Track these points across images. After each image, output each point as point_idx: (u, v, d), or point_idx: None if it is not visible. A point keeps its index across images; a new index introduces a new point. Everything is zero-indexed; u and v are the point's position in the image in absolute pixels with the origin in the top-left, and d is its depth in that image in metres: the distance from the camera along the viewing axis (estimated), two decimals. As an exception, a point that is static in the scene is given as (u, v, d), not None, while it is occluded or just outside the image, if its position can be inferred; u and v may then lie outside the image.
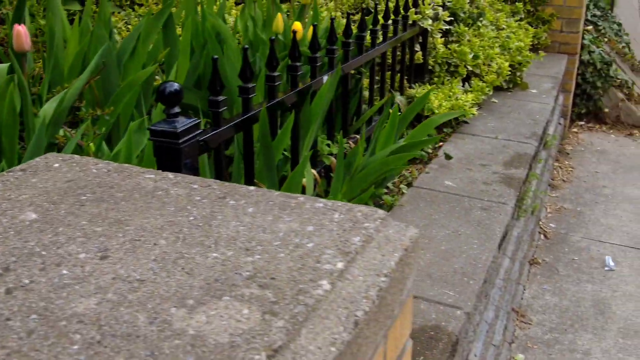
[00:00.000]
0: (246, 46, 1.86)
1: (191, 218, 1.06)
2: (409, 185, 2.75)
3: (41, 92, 2.09)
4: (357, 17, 3.74)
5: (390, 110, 2.63)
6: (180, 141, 1.51)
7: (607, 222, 4.37)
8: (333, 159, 2.39)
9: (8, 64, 2.00)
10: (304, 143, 2.20)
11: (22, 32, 1.80)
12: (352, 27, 2.54)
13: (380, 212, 1.09)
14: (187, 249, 0.96)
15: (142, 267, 0.93)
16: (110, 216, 1.07)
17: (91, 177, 1.23)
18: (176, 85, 1.53)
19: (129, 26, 3.05)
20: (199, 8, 2.78)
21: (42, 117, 1.92)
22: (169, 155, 1.53)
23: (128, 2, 3.26)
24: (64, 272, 0.91)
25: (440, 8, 3.51)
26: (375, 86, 2.94)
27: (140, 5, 3.27)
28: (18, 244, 0.98)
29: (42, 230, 1.02)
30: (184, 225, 1.03)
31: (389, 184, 2.66)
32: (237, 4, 3.60)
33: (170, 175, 1.23)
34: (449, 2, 3.68)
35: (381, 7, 3.86)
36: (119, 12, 3.21)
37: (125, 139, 2.00)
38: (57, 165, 1.28)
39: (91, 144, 1.91)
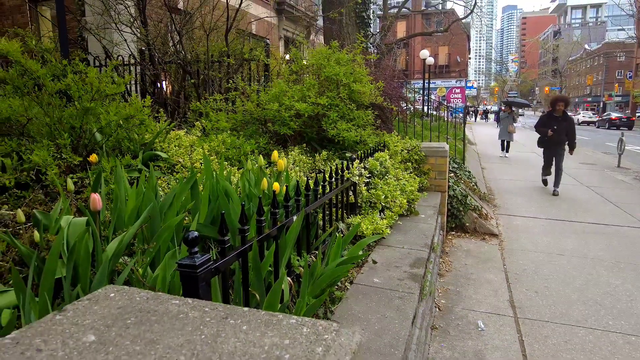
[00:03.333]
0: (243, 202, 1.80)
1: (202, 336, 0.95)
2: (351, 282, 2.63)
3: (108, 234, 1.97)
4: (313, 175, 3.77)
5: (338, 234, 2.56)
6: (198, 271, 1.41)
7: (476, 297, 4.26)
8: (302, 269, 2.28)
9: (86, 218, 1.90)
10: (282, 261, 2.09)
11: (96, 199, 1.71)
12: (310, 182, 2.52)
13: (335, 325, 0.99)
14: (200, 363, 0.85)
15: (167, 381, 0.80)
16: (146, 337, 0.95)
17: (135, 304, 1.10)
18: (195, 234, 1.44)
19: (170, 185, 2.98)
20: (214, 174, 2.73)
21: (108, 252, 1.79)
22: (190, 280, 1.42)
23: (170, 171, 3.22)
24: (109, 388, 0.78)
25: (363, 169, 3.55)
26: (326, 218, 2.89)
27: (177, 172, 3.22)
28: (78, 364, 0.85)
29: (98, 350, 0.89)
30: (197, 343, 0.92)
31: (339, 283, 2.54)
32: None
33: (189, 300, 1.12)
34: (367, 165, 3.74)
35: (327, 168, 3.91)
36: (163, 176, 3.15)
37: (162, 265, 1.87)
38: (112, 295, 1.16)
39: (140, 269, 1.78)
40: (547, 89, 70.53)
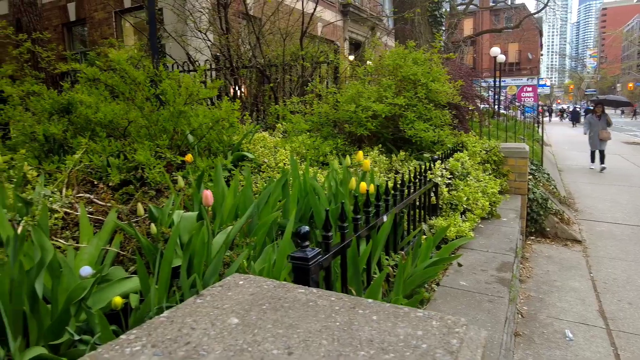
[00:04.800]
0: (343, 201, 1.86)
1: (337, 323, 1.01)
2: (437, 284, 2.62)
3: (214, 228, 2.11)
4: (391, 175, 3.78)
5: (423, 237, 2.56)
6: (310, 263, 1.48)
7: (561, 305, 4.06)
8: (390, 268, 2.31)
9: (195, 213, 2.05)
10: (374, 259, 2.13)
11: (208, 195, 1.85)
12: (390, 183, 2.54)
13: (463, 320, 1.01)
14: (343, 348, 0.90)
15: (317, 361, 0.87)
16: (285, 321, 1.02)
17: (264, 291, 1.19)
18: (306, 228, 1.52)
19: (257, 184, 3.11)
20: (301, 173, 2.82)
21: (215, 244, 1.93)
22: (302, 272, 1.49)
23: (256, 170, 3.36)
24: (266, 364, 0.86)
25: (445, 170, 3.51)
26: (410, 219, 2.90)
27: (263, 171, 3.36)
28: (232, 341, 0.94)
29: (244, 331, 0.98)
30: (334, 329, 0.98)
31: (425, 284, 2.54)
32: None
33: (314, 290, 1.19)
34: (448, 166, 3.69)
35: (405, 169, 3.90)
36: (250, 176, 3.31)
37: (262, 258, 1.98)
38: (241, 282, 1.25)
39: (244, 262, 1.89)
40: (631, 85, 64.95)
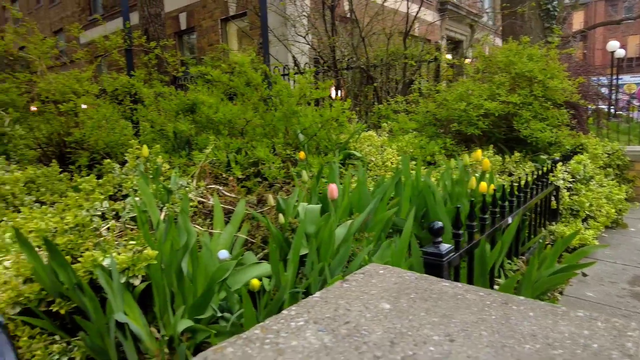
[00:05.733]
0: (472, 199, 1.83)
1: (493, 317, 1.00)
2: (560, 293, 2.46)
3: (339, 222, 2.19)
4: (504, 176, 3.62)
5: (548, 244, 2.42)
6: (443, 259, 1.48)
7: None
8: (512, 273, 2.22)
9: (318, 205, 2.14)
10: (498, 261, 2.07)
11: (334, 189, 1.93)
12: (504, 185, 2.43)
13: (634, 324, 0.96)
14: (505, 340, 0.90)
15: (481, 350, 0.88)
16: (437, 311, 1.04)
17: (407, 282, 1.22)
18: (440, 224, 1.52)
19: (370, 179, 3.15)
20: (413, 173, 2.81)
21: (337, 236, 2.00)
22: (435, 267, 1.50)
23: (365, 167, 3.42)
24: (431, 348, 0.89)
25: (566, 173, 3.29)
26: (532, 223, 2.76)
27: (370, 170, 3.41)
28: (389, 325, 0.98)
29: (399, 317, 1.02)
30: (491, 322, 0.98)
31: (548, 293, 2.40)
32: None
33: (459, 284, 1.19)
34: (569, 169, 3.45)
35: (520, 171, 3.71)
36: (357, 173, 3.37)
37: (380, 254, 2.02)
38: (381, 272, 1.30)
39: (365, 256, 1.94)
40: None
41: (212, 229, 2.27)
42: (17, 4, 25.19)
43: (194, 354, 1.76)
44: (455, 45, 16.21)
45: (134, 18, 6.00)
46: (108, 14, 17.41)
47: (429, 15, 15.11)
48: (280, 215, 2.06)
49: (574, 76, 4.81)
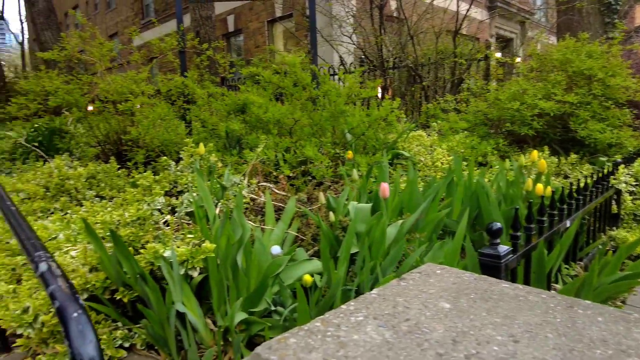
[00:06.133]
0: (530, 200, 1.78)
1: (557, 320, 0.98)
2: (623, 302, 2.34)
3: (389, 221, 2.19)
4: (559, 179, 3.49)
5: (609, 250, 2.32)
6: (502, 261, 1.45)
7: None
8: (570, 278, 2.14)
9: (370, 204, 2.15)
10: (555, 265, 2.00)
11: (385, 188, 1.93)
12: (562, 188, 2.34)
13: None
14: (573, 344, 0.88)
15: (548, 353, 0.86)
16: (498, 311, 1.03)
17: (465, 282, 1.21)
18: (499, 225, 1.49)
19: (419, 180, 3.11)
20: (465, 173, 2.76)
21: (388, 236, 1.99)
22: (492, 269, 1.47)
23: (419, 165, 3.38)
24: (495, 348, 0.88)
25: (628, 176, 3.12)
26: (590, 228, 2.64)
27: (419, 170, 3.37)
28: (450, 324, 0.97)
29: (460, 316, 1.01)
30: (556, 325, 0.95)
31: (609, 301, 2.29)
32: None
33: (520, 286, 1.17)
34: (632, 171, 3.27)
35: (576, 173, 3.56)
36: (405, 173, 3.34)
37: (432, 255, 2.00)
38: (438, 271, 1.29)
39: (417, 257, 1.93)
40: None
41: (263, 225, 2.33)
42: (77, 10, 26.69)
43: (247, 346, 1.81)
44: (505, 44, 15.71)
45: (186, 21, 6.22)
46: (160, 17, 18.13)
47: (478, 13, 14.73)
48: (331, 214, 2.08)
49: (638, 73, 4.55)
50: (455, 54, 5.55)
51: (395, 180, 2.59)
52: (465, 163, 3.52)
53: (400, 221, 2.07)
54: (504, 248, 1.47)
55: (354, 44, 7.81)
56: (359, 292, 1.77)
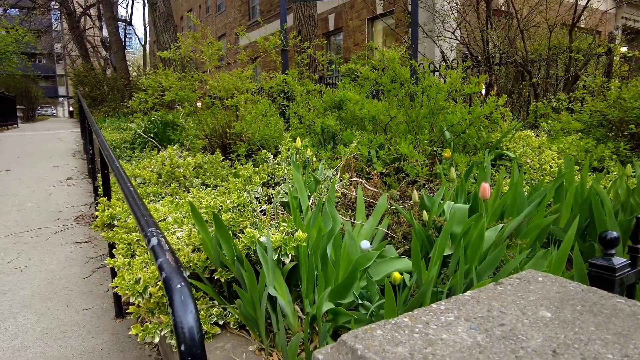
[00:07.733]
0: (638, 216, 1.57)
1: (686, 344, 0.86)
2: None
3: (488, 225, 2.08)
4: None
5: None
6: (616, 275, 1.31)
7: None
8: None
9: (468, 205, 2.06)
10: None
11: (486, 188, 1.83)
12: None
13: None
14: None
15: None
16: (610, 327, 0.93)
17: (572, 292, 1.11)
18: (615, 234, 1.34)
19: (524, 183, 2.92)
20: (576, 178, 2.53)
21: (486, 239, 1.89)
22: (604, 284, 1.33)
23: (525, 167, 3.17)
24: (599, 366, 0.80)
25: None
26: None
27: (525, 172, 3.15)
28: (550, 334, 0.90)
29: (562, 327, 0.93)
30: (684, 349, 0.84)
31: None
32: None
33: (638, 303, 1.05)
34: None
35: None
36: (509, 175, 3.14)
37: (533, 263, 1.85)
38: (540, 279, 1.20)
39: (517, 265, 1.80)
40: None
41: (353, 219, 2.34)
42: (192, 13, 29.05)
43: (332, 336, 1.84)
44: (634, 36, 14.04)
45: (289, 21, 6.46)
46: (265, 17, 19.04)
47: (602, 3, 13.30)
48: (424, 213, 2.03)
49: None
50: (570, 49, 5.08)
51: (498, 181, 2.45)
52: (577, 167, 3.21)
53: (501, 225, 1.95)
54: (619, 260, 1.32)
55: (457, 40, 7.52)
56: (450, 296, 1.71)
